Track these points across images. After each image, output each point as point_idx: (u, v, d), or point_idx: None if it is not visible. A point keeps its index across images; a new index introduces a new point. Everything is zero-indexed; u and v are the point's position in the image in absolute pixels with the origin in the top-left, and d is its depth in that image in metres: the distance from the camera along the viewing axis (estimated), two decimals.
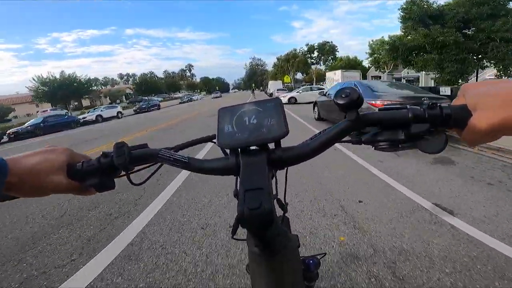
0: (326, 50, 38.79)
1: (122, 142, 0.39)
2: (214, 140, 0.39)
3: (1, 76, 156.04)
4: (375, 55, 26.11)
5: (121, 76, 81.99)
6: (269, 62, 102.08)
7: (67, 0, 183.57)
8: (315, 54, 39.91)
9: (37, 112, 28.60)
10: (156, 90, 51.55)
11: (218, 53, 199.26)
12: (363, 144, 0.37)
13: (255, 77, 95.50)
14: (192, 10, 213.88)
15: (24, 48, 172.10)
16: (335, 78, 25.09)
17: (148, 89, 48.90)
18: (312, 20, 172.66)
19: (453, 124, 0.32)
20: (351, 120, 0.35)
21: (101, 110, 19.69)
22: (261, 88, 74.40)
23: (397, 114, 0.35)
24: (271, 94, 31.26)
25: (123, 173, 0.41)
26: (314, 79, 39.29)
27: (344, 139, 0.37)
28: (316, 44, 41.46)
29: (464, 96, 0.32)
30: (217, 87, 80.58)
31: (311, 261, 0.67)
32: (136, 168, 0.42)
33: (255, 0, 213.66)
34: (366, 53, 26.33)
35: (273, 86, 33.23)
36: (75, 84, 27.31)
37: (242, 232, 0.32)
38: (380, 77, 29.09)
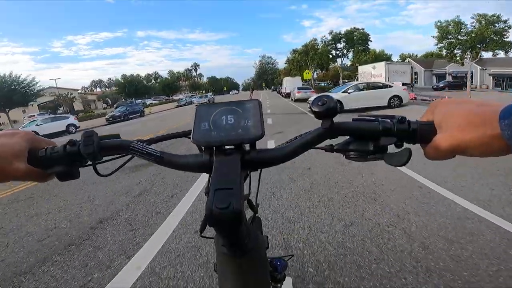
0: (356, 39, 32.03)
1: (91, 131, 0.39)
2: (190, 136, 0.39)
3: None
4: (450, 39, 19.07)
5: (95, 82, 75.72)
6: (280, 61, 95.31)
7: (80, 1, 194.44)
8: (341, 44, 31.36)
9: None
10: (145, 92, 47.50)
11: (228, 53, 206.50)
12: (335, 152, 0.39)
13: (265, 76, 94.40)
14: (201, 11, 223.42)
15: (41, 52, 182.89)
16: (374, 73, 20.93)
17: (134, 91, 44.53)
18: (322, 19, 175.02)
19: (419, 139, 0.34)
20: (325, 128, 0.36)
21: (37, 124, 15.04)
22: (272, 87, 71.48)
23: (369, 126, 0.36)
24: (287, 95, 26.26)
25: (89, 162, 0.40)
26: (341, 75, 31.11)
27: (318, 146, 0.39)
28: (343, 31, 33.06)
29: (433, 112, 0.34)
30: (225, 87, 73.85)
31: (278, 263, 0.68)
32: (105, 158, 0.41)
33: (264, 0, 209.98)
34: (433, 37, 20.47)
35: (290, 83, 26.95)
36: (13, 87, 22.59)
37: (211, 230, 0.32)
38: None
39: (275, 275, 0.67)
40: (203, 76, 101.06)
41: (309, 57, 35.85)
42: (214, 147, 0.37)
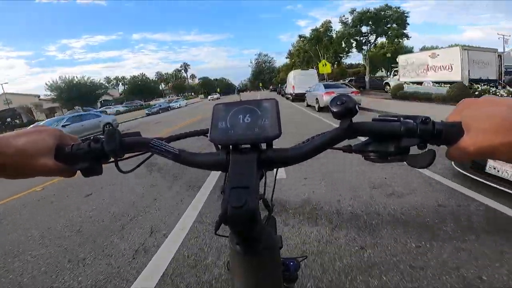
0: (390, 19, 21.06)
1: (113, 129, 0.45)
2: (207, 135, 0.44)
3: (16, 83, 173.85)
4: None
5: (108, 80, 78.95)
6: (278, 61, 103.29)
7: (72, 5, 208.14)
8: (366, 28, 21.74)
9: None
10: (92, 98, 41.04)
11: (225, 54, 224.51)
12: (353, 153, 0.43)
13: (262, 75, 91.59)
14: (196, 12, 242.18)
15: (35, 55, 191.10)
16: (434, 64, 14.26)
17: (73, 98, 36.95)
18: (318, 19, 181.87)
19: (444, 140, 0.37)
20: (343, 128, 0.39)
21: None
22: (270, 87, 69.35)
23: (389, 126, 0.39)
24: (296, 97, 18.59)
25: (111, 159, 0.45)
26: (368, 68, 22.05)
27: (335, 146, 0.42)
28: (370, 10, 25.42)
29: (460, 112, 0.36)
30: (218, 89, 64.86)
31: (291, 263, 0.72)
32: (126, 155, 0.47)
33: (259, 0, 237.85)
34: None
35: (302, 80, 18.77)
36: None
37: (226, 228, 0.37)
38: None
39: (287, 275, 0.70)
40: (195, 77, 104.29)
41: (322, 45, 25.94)
42: (230, 146, 0.41)
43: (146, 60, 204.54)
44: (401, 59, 17.91)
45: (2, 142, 0.37)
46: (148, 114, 27.16)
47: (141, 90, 46.44)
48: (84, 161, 0.43)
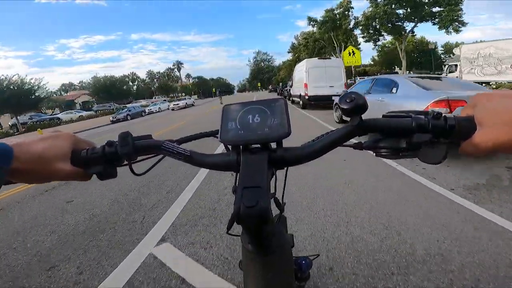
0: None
1: (127, 132, 0.47)
2: (217, 136, 0.46)
3: None
4: None
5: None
6: (277, 61, 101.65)
7: (71, 4, 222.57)
8: (402, 10, 15.40)
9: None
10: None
11: (225, 55, 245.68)
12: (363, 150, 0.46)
13: (261, 75, 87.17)
14: (195, 12, 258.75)
15: (34, 55, 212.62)
16: None
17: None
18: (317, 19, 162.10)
19: (456, 135, 0.38)
20: (354, 125, 0.40)
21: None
22: (270, 87, 65.75)
23: (400, 123, 0.40)
24: (310, 101, 11.51)
25: (125, 162, 0.48)
26: (404, 63, 15.79)
27: (345, 143, 0.45)
28: None
29: (474, 107, 0.37)
30: (214, 89, 58.90)
31: (303, 262, 0.74)
32: (139, 158, 0.51)
33: (259, 0, 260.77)
34: None
35: (320, 75, 10.84)
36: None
37: (238, 228, 0.39)
38: None
39: (299, 274, 0.73)
40: (190, 76, 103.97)
41: (341, 31, 19.56)
42: (241, 146, 0.43)
43: (145, 60, 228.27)
44: (465, 50, 12.36)
45: (21, 148, 0.39)
46: (113, 121, 23.39)
47: (109, 91, 39.31)
48: (99, 165, 0.45)
